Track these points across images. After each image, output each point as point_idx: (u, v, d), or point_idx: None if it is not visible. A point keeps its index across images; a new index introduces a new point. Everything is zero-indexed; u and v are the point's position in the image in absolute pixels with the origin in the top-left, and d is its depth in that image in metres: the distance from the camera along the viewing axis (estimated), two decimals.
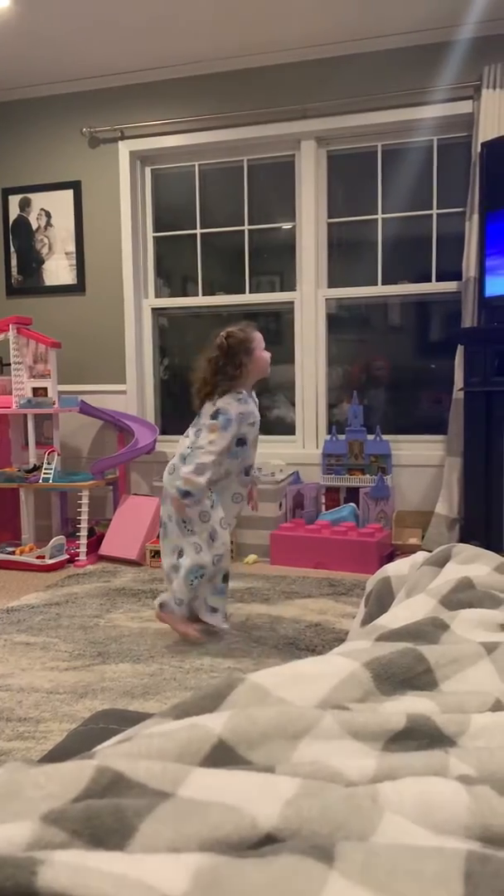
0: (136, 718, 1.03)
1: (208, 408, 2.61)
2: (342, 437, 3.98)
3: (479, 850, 0.49)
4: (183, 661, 2.49)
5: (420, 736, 0.67)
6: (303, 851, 0.44)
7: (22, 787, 0.49)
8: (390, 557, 3.63)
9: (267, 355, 2.67)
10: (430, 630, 0.87)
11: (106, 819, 0.46)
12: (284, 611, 3.02)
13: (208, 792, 0.50)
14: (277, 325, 4.37)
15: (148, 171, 4.38)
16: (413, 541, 3.73)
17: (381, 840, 0.50)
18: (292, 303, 4.20)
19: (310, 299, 4.13)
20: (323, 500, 4.06)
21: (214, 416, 2.56)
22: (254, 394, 2.72)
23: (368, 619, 1.05)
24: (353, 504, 3.92)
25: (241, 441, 2.60)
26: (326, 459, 4.00)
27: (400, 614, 0.94)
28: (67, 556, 3.82)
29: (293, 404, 4.27)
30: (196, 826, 0.46)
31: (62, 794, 0.49)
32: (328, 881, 0.42)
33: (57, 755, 0.95)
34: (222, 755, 0.58)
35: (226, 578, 2.68)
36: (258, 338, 2.64)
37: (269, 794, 0.50)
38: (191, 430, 2.67)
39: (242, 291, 4.31)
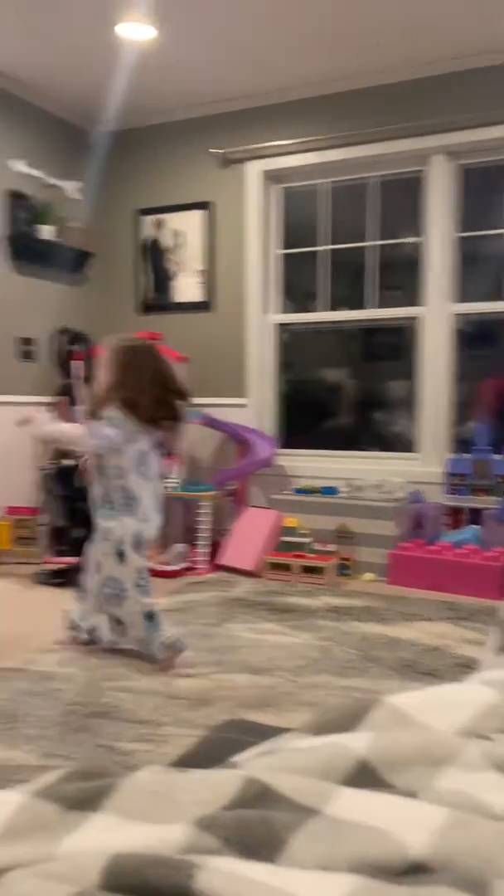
0: (264, 730, 1.04)
1: None
2: (468, 456, 3.87)
3: None
4: (298, 676, 2.49)
5: None
6: (457, 885, 0.43)
7: (173, 791, 0.50)
8: None
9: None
10: None
11: (257, 830, 0.46)
12: (402, 632, 2.96)
13: (355, 812, 0.50)
14: (398, 341, 4.31)
15: (277, 189, 4.45)
16: None
17: None
18: (416, 318, 4.13)
19: (436, 314, 4.05)
20: (445, 521, 3.95)
21: None
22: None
23: None
24: (476, 526, 3.80)
25: None
26: (450, 479, 3.89)
27: None
28: (188, 564, 3.92)
29: (413, 421, 4.19)
30: (345, 846, 0.46)
31: (213, 801, 0.50)
32: None
33: (191, 761, 0.97)
34: (364, 776, 0.57)
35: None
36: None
37: (416, 820, 0.49)
38: None
39: (365, 306, 4.29)
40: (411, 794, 0.55)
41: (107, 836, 0.48)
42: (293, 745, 0.62)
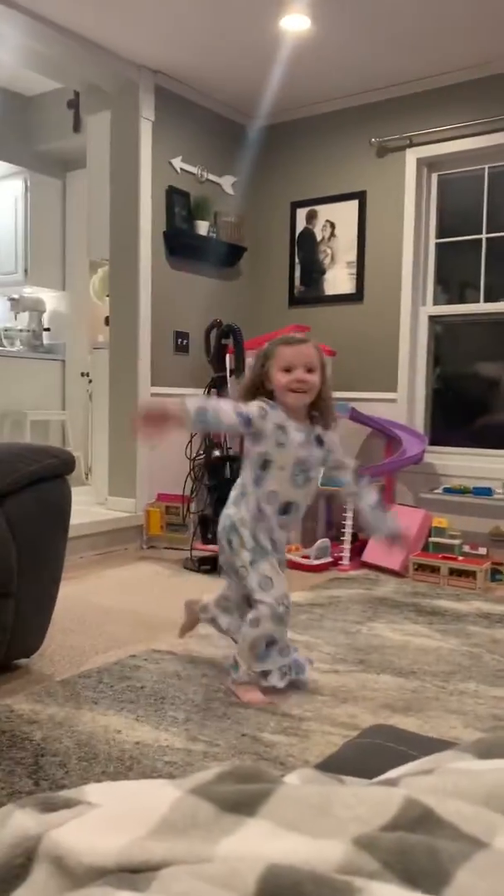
0: (415, 740, 1.00)
1: None
2: None
3: None
4: (446, 682, 2.40)
5: None
6: None
7: (331, 804, 0.49)
8: None
9: (283, 378, 2.15)
10: None
11: (420, 857, 0.44)
12: None
13: None
14: None
15: (434, 177, 4.31)
16: None
17: None
18: None
19: None
20: None
21: None
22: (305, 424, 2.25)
23: None
24: None
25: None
26: None
27: None
28: (332, 560, 3.89)
29: None
30: None
31: (371, 820, 0.48)
32: None
33: (336, 765, 0.95)
34: None
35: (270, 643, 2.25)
36: (278, 353, 2.17)
37: None
38: None
39: None
40: None
41: (263, 843, 0.47)
42: (456, 765, 0.58)
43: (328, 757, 1.01)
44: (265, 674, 2.22)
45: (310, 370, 2.16)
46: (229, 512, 2.28)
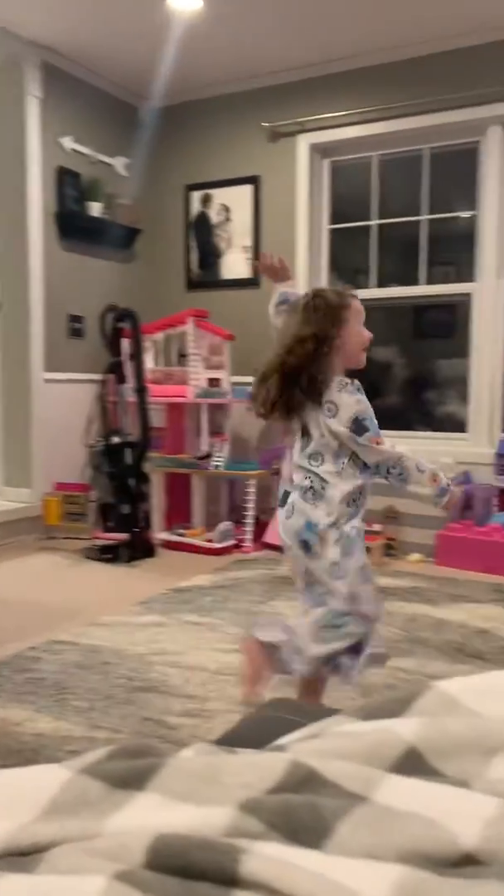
0: (311, 711, 1.03)
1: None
2: None
3: None
4: None
5: None
6: None
7: (219, 772, 0.50)
8: None
9: (366, 335, 1.89)
10: None
11: (303, 815, 0.46)
12: (450, 614, 2.92)
13: (404, 801, 0.48)
14: (449, 318, 4.22)
15: (326, 163, 4.37)
16: None
17: None
18: (468, 294, 4.03)
19: (490, 290, 3.95)
20: (495, 502, 3.88)
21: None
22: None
23: None
24: None
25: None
26: (501, 459, 3.81)
27: None
28: (234, 542, 3.94)
29: (465, 400, 4.11)
30: (394, 836, 0.45)
31: (257, 784, 0.49)
32: None
33: (234, 739, 0.97)
34: (413, 763, 0.56)
35: None
36: (356, 306, 1.88)
37: (468, 811, 0.48)
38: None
39: (415, 283, 4.20)
40: (462, 784, 0.54)
41: (151, 815, 0.47)
42: (340, 728, 0.61)
43: (226, 732, 1.03)
44: None
45: None
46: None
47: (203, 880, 0.42)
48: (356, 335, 1.86)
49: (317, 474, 1.83)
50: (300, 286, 4.34)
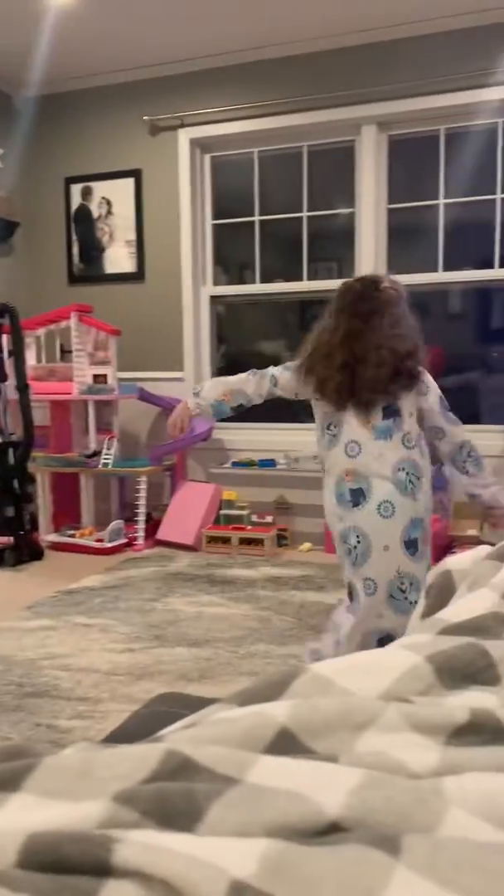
0: (197, 703, 1.05)
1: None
2: None
3: None
4: (238, 647, 2.52)
5: (484, 731, 0.66)
6: (369, 842, 0.44)
7: (93, 767, 0.50)
8: (448, 549, 3.58)
9: None
10: (492, 625, 0.86)
11: (176, 801, 0.47)
12: (339, 599, 3.02)
13: (274, 779, 0.50)
14: None
15: (207, 158, 4.39)
16: (472, 532, 3.67)
17: (445, 834, 0.50)
18: None
19: None
20: None
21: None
22: None
23: (429, 612, 1.05)
24: None
25: None
26: None
27: (462, 608, 0.94)
28: (126, 540, 3.90)
29: None
30: (263, 812, 0.47)
31: (132, 775, 0.50)
32: (394, 872, 0.43)
33: (120, 736, 0.97)
34: (285, 743, 0.58)
35: None
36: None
37: (333, 783, 0.51)
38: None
39: (300, 278, 4.29)
40: (331, 759, 0.57)
41: (25, 815, 0.47)
42: (217, 716, 0.63)
43: (113, 731, 1.03)
44: None
45: None
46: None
47: (77, 873, 0.42)
48: None
49: (412, 462, 1.91)
50: (186, 281, 4.35)
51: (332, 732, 0.60)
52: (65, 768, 0.50)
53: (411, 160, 4.06)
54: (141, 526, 3.91)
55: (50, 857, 0.42)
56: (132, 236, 4.44)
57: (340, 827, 0.48)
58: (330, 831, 0.48)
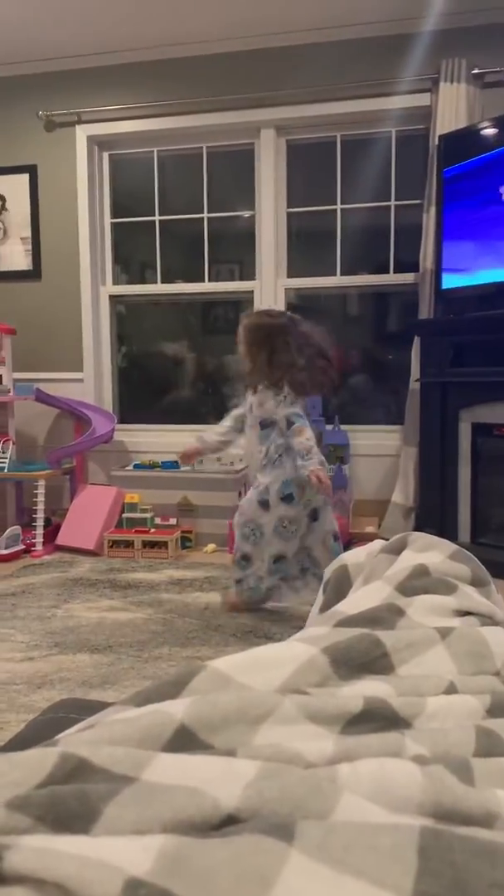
0: (97, 707, 1.03)
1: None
2: None
3: (432, 825, 0.51)
4: (141, 651, 2.49)
5: (377, 718, 0.69)
6: (263, 830, 0.45)
7: None
8: (347, 546, 3.68)
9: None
10: (386, 616, 0.89)
11: (70, 804, 0.46)
12: None
13: (171, 776, 0.50)
14: (236, 315, 4.37)
15: (106, 156, 4.33)
16: (370, 529, 3.78)
17: (339, 819, 0.51)
18: (251, 292, 4.20)
19: (269, 289, 4.14)
20: None
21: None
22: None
23: (326, 606, 1.07)
24: None
25: None
26: None
27: (357, 601, 0.96)
28: (23, 547, 3.78)
29: None
30: (159, 808, 0.47)
31: (26, 781, 0.49)
32: (288, 858, 0.44)
33: (16, 744, 0.94)
34: (184, 740, 0.58)
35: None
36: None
37: (230, 776, 0.51)
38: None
39: (201, 279, 4.30)
40: (229, 753, 0.57)
41: None
42: (115, 717, 0.62)
43: (10, 739, 1.00)
44: (238, 581, 2.84)
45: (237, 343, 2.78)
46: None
47: None
48: None
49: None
50: (84, 280, 4.27)
51: (230, 727, 0.61)
52: None
53: (311, 165, 4.14)
54: (39, 531, 3.81)
55: None
56: (27, 233, 4.32)
57: (237, 819, 0.48)
58: (227, 824, 0.48)
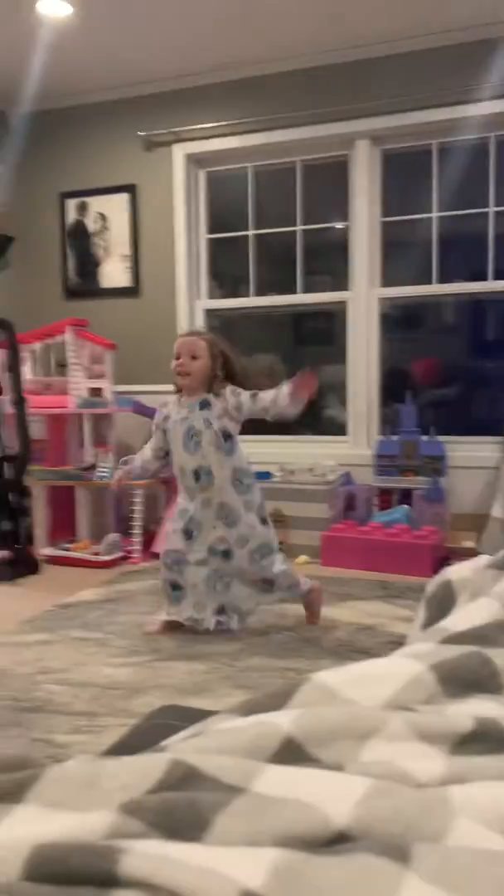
0: (198, 715, 1.04)
1: None
2: (395, 437, 3.94)
3: None
4: (235, 660, 2.50)
5: (488, 739, 0.66)
6: (378, 851, 0.44)
7: (98, 778, 0.50)
8: (444, 561, 3.58)
9: (173, 363, 2.68)
10: (495, 634, 0.86)
11: (182, 812, 0.46)
12: (337, 612, 3.01)
13: (281, 788, 0.50)
14: (329, 326, 4.36)
15: (202, 173, 4.42)
16: (468, 544, 3.67)
17: (453, 843, 0.49)
18: (344, 302, 4.18)
19: (362, 299, 4.11)
20: (375, 502, 4.03)
21: None
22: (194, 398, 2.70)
23: (430, 622, 1.05)
24: (406, 506, 3.88)
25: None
26: (379, 460, 3.96)
27: (464, 617, 0.94)
28: (122, 554, 3.88)
29: (344, 404, 4.25)
30: (270, 822, 0.46)
31: (138, 786, 0.50)
32: (404, 881, 0.43)
33: (120, 749, 0.96)
34: (291, 752, 0.58)
35: (174, 587, 2.72)
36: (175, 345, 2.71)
37: (340, 792, 0.50)
38: None
39: (294, 291, 4.31)
40: (337, 768, 0.56)
41: (30, 827, 0.47)
42: (221, 726, 0.62)
43: (113, 743, 1.02)
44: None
45: (193, 357, 2.62)
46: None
47: (83, 885, 0.42)
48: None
49: None
50: (181, 295, 4.35)
51: (337, 741, 0.60)
52: (69, 779, 0.50)
53: (405, 173, 4.10)
54: (137, 539, 3.90)
55: (56, 868, 0.42)
56: (128, 251, 4.46)
57: (348, 837, 0.48)
58: (337, 841, 0.47)
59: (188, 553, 2.66)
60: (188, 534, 2.67)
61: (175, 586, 2.70)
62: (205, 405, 2.66)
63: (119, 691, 2.26)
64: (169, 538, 2.73)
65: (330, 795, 0.50)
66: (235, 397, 2.67)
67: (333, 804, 0.49)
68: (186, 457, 2.66)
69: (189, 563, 2.66)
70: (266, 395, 2.62)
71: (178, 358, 2.65)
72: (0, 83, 4.29)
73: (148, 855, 0.42)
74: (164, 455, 2.78)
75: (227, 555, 2.65)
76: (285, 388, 2.56)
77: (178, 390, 2.74)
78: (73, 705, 2.16)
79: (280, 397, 2.59)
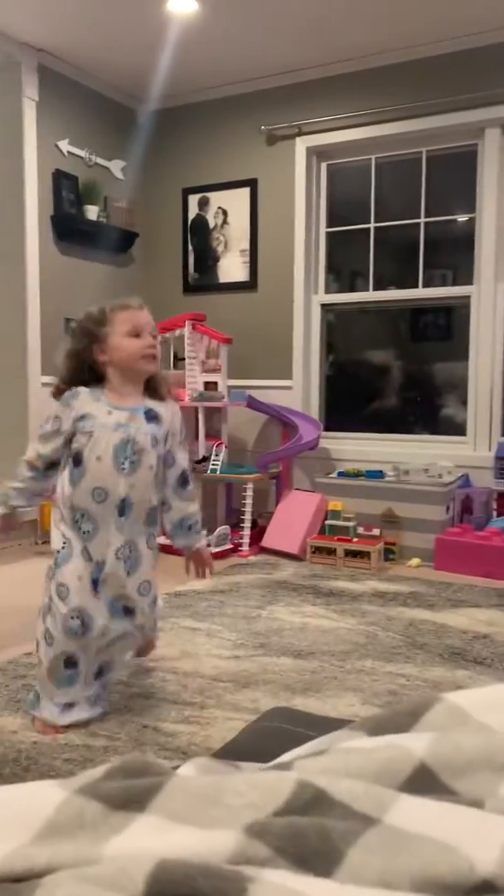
0: (310, 720, 1.01)
1: None
2: None
3: None
4: (344, 661, 2.46)
5: None
6: None
7: (222, 793, 0.48)
8: None
9: (138, 343, 1.95)
10: None
11: (311, 840, 0.43)
12: (450, 619, 2.90)
13: (418, 823, 0.46)
14: (448, 321, 4.21)
15: (324, 166, 4.36)
16: None
17: None
18: (466, 297, 4.02)
19: (489, 293, 3.94)
20: (494, 506, 3.86)
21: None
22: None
23: None
24: None
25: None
26: (500, 463, 3.79)
27: None
28: (231, 546, 3.91)
29: (464, 403, 4.09)
30: (408, 861, 0.43)
31: (263, 806, 0.47)
32: None
33: (235, 750, 0.95)
34: (424, 781, 0.54)
35: (69, 664, 1.91)
36: (120, 318, 1.97)
37: (484, 833, 0.46)
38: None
39: (413, 286, 4.19)
40: (477, 804, 0.52)
41: (153, 839, 0.45)
42: (348, 745, 0.59)
43: (227, 743, 1.01)
44: (69, 706, 1.92)
45: (154, 336, 2.00)
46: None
47: None
48: (122, 346, 1.95)
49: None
50: (298, 289, 4.33)
51: (475, 773, 0.55)
52: (192, 791, 0.48)
53: None
54: (246, 532, 3.92)
55: (181, 889, 0.40)
56: (246, 245, 4.47)
57: (493, 886, 0.43)
58: (482, 889, 0.43)
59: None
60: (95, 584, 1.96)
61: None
62: (152, 417, 1.97)
63: (226, 684, 2.26)
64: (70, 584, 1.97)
65: (473, 836, 0.46)
66: (177, 434, 2.06)
67: (478, 848, 0.44)
68: (114, 477, 1.90)
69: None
70: (191, 494, 2.10)
71: (137, 335, 1.95)
72: (130, 83, 4.40)
73: (278, 887, 0.39)
74: (52, 466, 2.02)
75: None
76: (196, 524, 2.11)
77: (99, 379, 1.98)
78: (180, 695, 2.18)
79: (188, 516, 2.08)
